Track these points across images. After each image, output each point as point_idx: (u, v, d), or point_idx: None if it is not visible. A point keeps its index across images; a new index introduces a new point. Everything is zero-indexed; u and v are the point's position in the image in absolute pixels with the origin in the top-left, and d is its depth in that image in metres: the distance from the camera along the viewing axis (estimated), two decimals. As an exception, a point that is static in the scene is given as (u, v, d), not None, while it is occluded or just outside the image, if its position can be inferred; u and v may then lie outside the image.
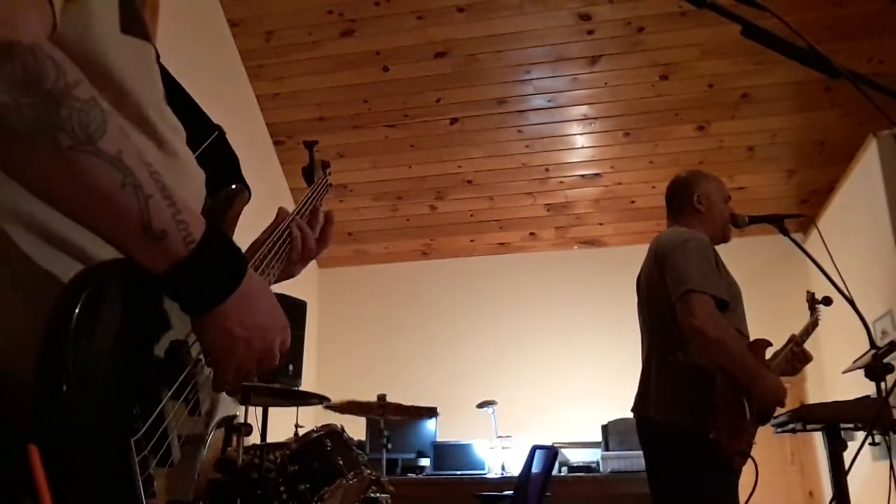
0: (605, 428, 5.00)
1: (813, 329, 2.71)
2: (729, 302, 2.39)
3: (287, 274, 1.24)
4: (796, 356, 2.59)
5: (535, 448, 3.85)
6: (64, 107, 0.62)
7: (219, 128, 1.02)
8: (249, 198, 1.00)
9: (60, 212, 0.68)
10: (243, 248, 1.10)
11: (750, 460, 2.31)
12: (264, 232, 1.22)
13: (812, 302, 2.83)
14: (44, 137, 0.61)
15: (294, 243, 1.22)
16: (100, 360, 0.64)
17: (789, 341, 2.63)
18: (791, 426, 2.85)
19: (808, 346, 2.65)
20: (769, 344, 2.48)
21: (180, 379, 0.77)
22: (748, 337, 2.49)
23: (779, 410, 2.55)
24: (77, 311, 0.62)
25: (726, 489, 2.31)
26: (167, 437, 0.73)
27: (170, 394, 0.75)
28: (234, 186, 0.97)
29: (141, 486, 0.66)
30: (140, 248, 0.70)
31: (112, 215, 0.67)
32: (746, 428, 2.33)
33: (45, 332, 0.60)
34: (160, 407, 0.72)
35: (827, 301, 2.80)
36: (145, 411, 0.70)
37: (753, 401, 2.33)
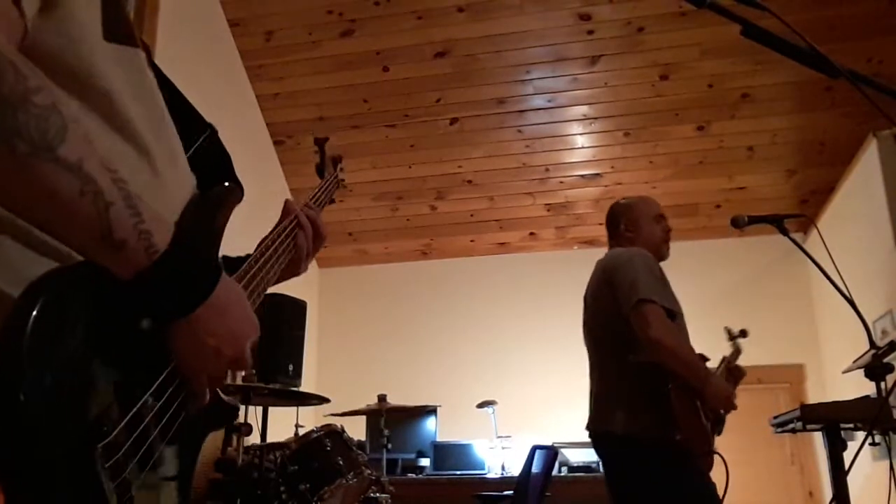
0: (605, 428, 5.00)
1: (737, 356, 2.78)
2: (676, 314, 2.48)
3: (293, 269, 1.20)
4: (731, 373, 2.66)
5: (535, 448, 3.85)
6: (21, 112, 0.61)
7: (210, 126, 1.01)
8: (242, 197, 0.99)
9: (21, 217, 0.67)
10: (251, 247, 1.10)
11: (720, 460, 2.34)
12: (274, 227, 1.19)
13: (730, 336, 2.90)
14: None
15: (305, 232, 1.19)
16: (63, 365, 0.63)
17: (722, 362, 2.73)
18: (791, 426, 2.86)
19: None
20: (707, 359, 2.55)
21: (162, 377, 0.75)
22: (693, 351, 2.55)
23: (779, 410, 2.56)
24: (33, 316, 0.60)
25: (707, 490, 2.34)
26: (147, 439, 0.72)
27: (149, 393, 0.73)
28: (225, 185, 0.97)
29: (110, 492, 0.65)
30: (100, 256, 0.69)
31: (70, 223, 0.66)
32: (706, 431, 2.40)
33: None
34: (135, 409, 0.70)
35: (743, 333, 2.88)
36: (117, 415, 0.68)
37: (705, 403, 2.40)
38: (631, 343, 2.41)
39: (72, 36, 0.73)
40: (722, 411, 2.46)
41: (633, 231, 2.78)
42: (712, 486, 2.37)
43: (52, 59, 0.71)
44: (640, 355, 2.40)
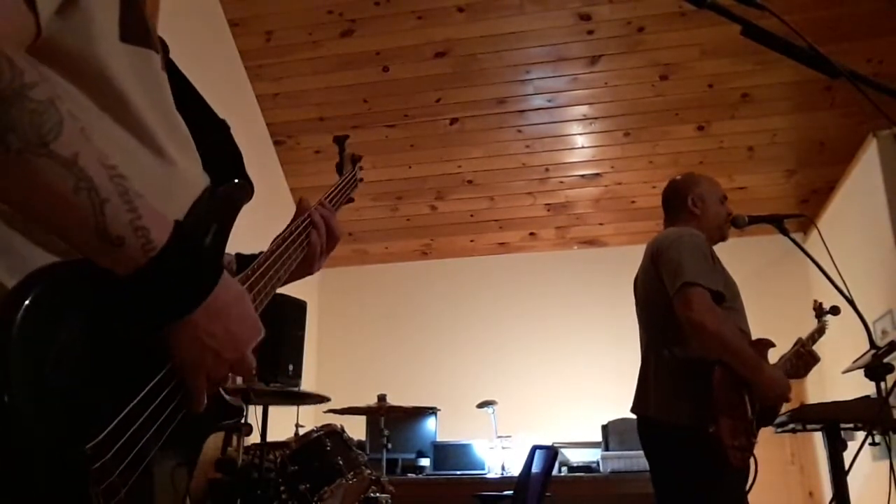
0: (605, 428, 5.00)
1: (819, 336, 2.68)
2: (725, 296, 2.38)
3: (306, 268, 1.18)
4: (802, 358, 2.58)
5: (535, 448, 3.85)
6: (16, 107, 0.60)
7: (223, 122, 1.01)
8: (252, 194, 0.99)
9: (20, 214, 0.67)
10: (249, 246, 1.10)
11: (753, 458, 2.30)
12: (288, 225, 1.17)
13: (819, 312, 2.78)
14: None
15: (318, 231, 1.18)
16: (52, 363, 0.61)
17: (796, 344, 2.62)
18: (791, 426, 2.85)
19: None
20: (772, 344, 2.47)
21: (157, 378, 0.73)
22: (750, 335, 2.48)
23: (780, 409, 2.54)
24: (22, 310, 0.59)
25: (732, 488, 2.30)
26: (140, 440, 0.70)
27: (143, 394, 0.71)
28: (235, 182, 0.95)
29: (95, 495, 0.63)
30: (96, 253, 0.68)
31: (65, 219, 0.65)
32: (747, 425, 2.31)
33: None
34: (127, 410, 0.69)
35: (835, 310, 2.75)
36: (108, 416, 0.66)
37: (755, 395, 2.33)
38: (674, 329, 2.34)
39: (89, 36, 0.73)
40: (772, 404, 2.36)
41: (700, 207, 2.63)
42: (739, 485, 2.29)
43: (68, 58, 0.71)
44: (686, 352, 2.33)
